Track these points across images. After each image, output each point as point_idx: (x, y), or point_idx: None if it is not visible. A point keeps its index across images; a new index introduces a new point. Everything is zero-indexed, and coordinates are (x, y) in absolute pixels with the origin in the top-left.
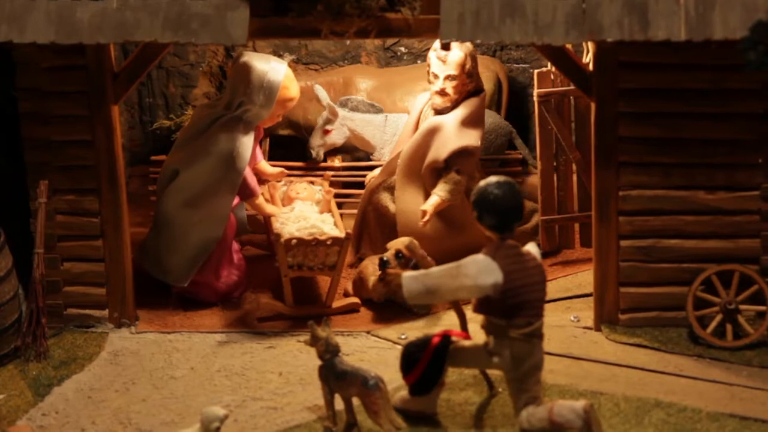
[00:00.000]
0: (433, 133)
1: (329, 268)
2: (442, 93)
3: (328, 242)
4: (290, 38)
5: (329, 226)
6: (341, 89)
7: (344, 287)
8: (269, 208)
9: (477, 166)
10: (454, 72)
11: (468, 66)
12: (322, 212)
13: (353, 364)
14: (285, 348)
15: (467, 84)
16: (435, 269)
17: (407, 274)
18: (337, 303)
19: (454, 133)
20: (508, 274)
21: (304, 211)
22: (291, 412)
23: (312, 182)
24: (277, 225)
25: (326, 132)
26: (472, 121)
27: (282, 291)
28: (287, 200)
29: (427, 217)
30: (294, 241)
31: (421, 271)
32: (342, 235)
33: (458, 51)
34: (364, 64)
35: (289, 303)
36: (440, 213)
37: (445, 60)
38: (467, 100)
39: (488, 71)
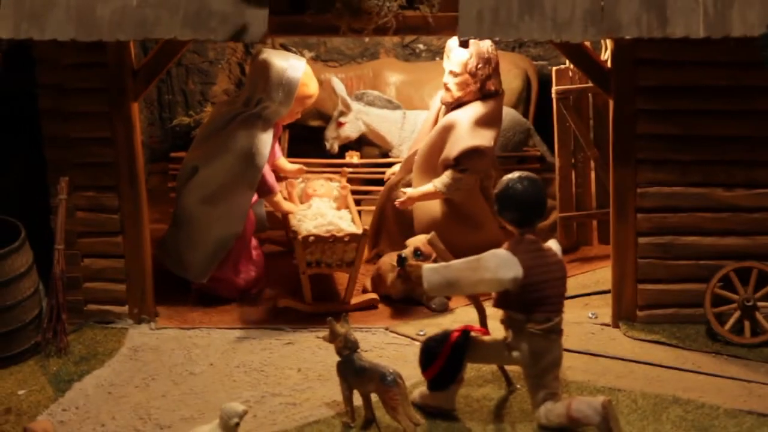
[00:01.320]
0: (448, 130)
1: (347, 264)
2: (445, 87)
3: (346, 239)
4: (309, 35)
5: (347, 222)
6: (370, 83)
7: (363, 284)
8: (287, 206)
9: (494, 164)
10: (456, 69)
11: (471, 66)
12: (339, 209)
13: (372, 360)
14: (304, 344)
15: (471, 84)
16: (455, 262)
17: (428, 266)
18: (356, 299)
19: (467, 132)
20: (528, 269)
21: (321, 208)
22: (310, 408)
23: (329, 179)
24: (294, 222)
25: (340, 124)
26: (486, 122)
27: (300, 288)
28: (305, 197)
29: (403, 198)
30: (311, 238)
31: (442, 264)
32: (359, 231)
33: (464, 51)
34: (393, 59)
35: (307, 300)
36: (455, 210)
37: (449, 55)
38: (484, 100)
39: (517, 68)
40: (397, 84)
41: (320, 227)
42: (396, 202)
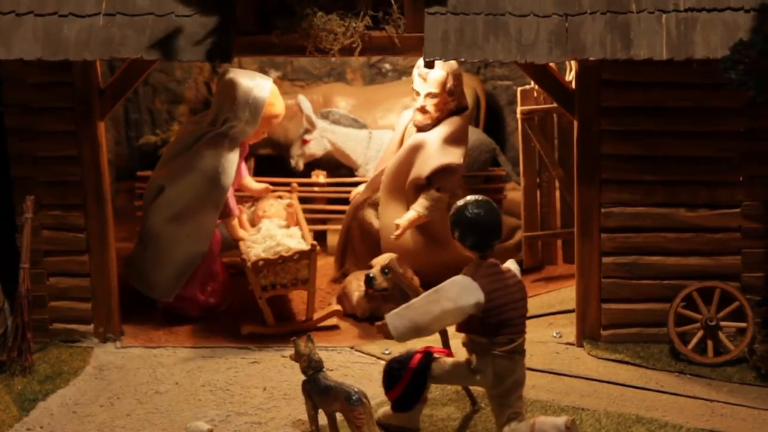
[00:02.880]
0: (416, 150)
1: (302, 282)
2: (422, 110)
3: (296, 257)
4: (275, 55)
5: (296, 240)
6: (320, 107)
7: (329, 302)
8: (240, 233)
9: (460, 183)
10: (434, 90)
11: (449, 85)
12: (288, 226)
13: (337, 379)
14: (269, 363)
15: (449, 102)
16: (415, 300)
17: (391, 313)
18: (318, 314)
19: (436, 151)
20: (489, 293)
21: (270, 230)
22: (275, 427)
23: (279, 197)
24: (244, 248)
25: (305, 142)
26: (454, 139)
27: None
28: (256, 219)
29: (399, 231)
30: (261, 262)
31: (402, 306)
32: (308, 247)
33: (440, 70)
34: (345, 83)
35: (270, 322)
36: (423, 229)
37: (426, 78)
38: (450, 118)
39: (467, 87)
40: (348, 108)
41: (269, 250)
42: (392, 237)
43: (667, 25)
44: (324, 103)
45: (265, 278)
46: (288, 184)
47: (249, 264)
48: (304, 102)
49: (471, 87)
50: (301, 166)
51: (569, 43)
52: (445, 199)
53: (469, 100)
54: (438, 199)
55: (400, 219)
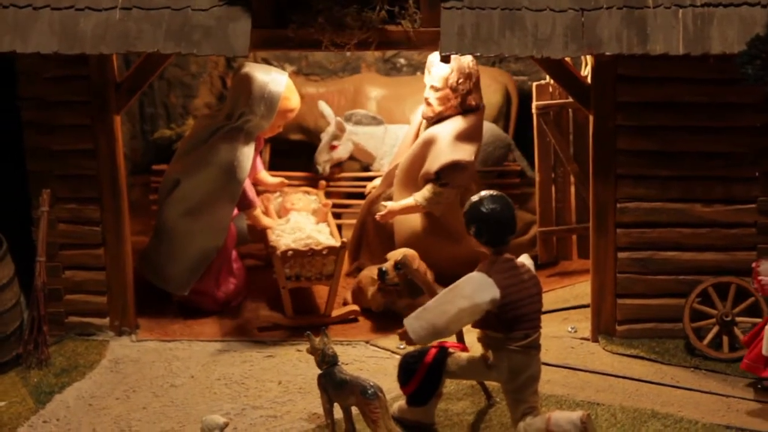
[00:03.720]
0: (428, 144)
1: (326, 277)
2: (426, 102)
3: (324, 252)
4: (291, 50)
5: (325, 236)
6: (351, 98)
7: (344, 297)
8: (266, 221)
9: (474, 179)
10: (437, 84)
11: (452, 81)
12: (318, 222)
13: (352, 373)
14: (284, 357)
15: (452, 99)
16: (431, 301)
17: (409, 317)
18: (337, 312)
19: (447, 147)
20: (504, 288)
21: (299, 222)
22: (290, 421)
23: (307, 192)
24: (273, 237)
25: (333, 147)
26: (467, 137)
27: (281, 302)
28: (283, 211)
29: (384, 212)
30: (290, 252)
31: (419, 309)
32: (338, 244)
33: (445, 66)
34: (374, 73)
35: (288, 313)
36: (437, 224)
37: (431, 71)
38: (465, 115)
39: (497, 83)
40: (378, 98)
41: (299, 241)
42: (377, 216)
43: (684, 20)
44: (354, 93)
45: (291, 269)
46: (301, 178)
47: (278, 252)
48: (326, 108)
49: (501, 83)
50: (327, 170)
51: (585, 38)
52: (450, 195)
53: (498, 96)
54: (440, 194)
55: (395, 203)
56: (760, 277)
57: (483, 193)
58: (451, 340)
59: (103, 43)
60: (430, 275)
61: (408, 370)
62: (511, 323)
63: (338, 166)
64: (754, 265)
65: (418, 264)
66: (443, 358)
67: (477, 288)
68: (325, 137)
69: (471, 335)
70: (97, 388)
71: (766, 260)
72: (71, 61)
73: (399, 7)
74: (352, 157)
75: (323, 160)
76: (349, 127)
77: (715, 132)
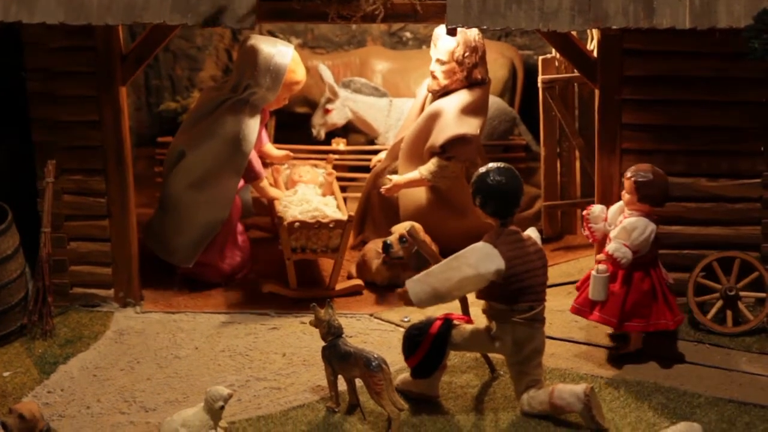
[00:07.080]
0: (434, 118)
1: (332, 250)
2: (432, 75)
3: (331, 225)
4: (297, 21)
5: (332, 209)
6: (357, 71)
7: (348, 270)
8: (273, 192)
9: (480, 152)
10: (443, 57)
11: (458, 55)
12: (324, 195)
13: (356, 345)
14: (289, 329)
15: (457, 72)
16: (435, 266)
17: (411, 279)
18: (341, 285)
19: (453, 120)
20: (509, 260)
21: (306, 194)
22: (294, 393)
23: (315, 165)
24: (280, 208)
25: (327, 111)
26: (473, 110)
27: (285, 273)
28: (290, 183)
29: (389, 186)
30: (297, 224)
31: (422, 273)
32: (344, 217)
33: (451, 39)
34: (380, 46)
35: (292, 285)
36: (443, 197)
37: (437, 44)
38: (471, 88)
39: (503, 57)
40: (383, 72)
41: (305, 213)
42: (381, 189)
43: None
44: (360, 65)
45: (296, 240)
46: (306, 151)
47: (285, 223)
48: (325, 71)
49: (507, 57)
50: (322, 135)
51: (592, 12)
52: (455, 169)
53: (504, 70)
54: (445, 168)
55: (399, 176)
56: (590, 225)
57: (490, 164)
58: (456, 312)
59: (109, 13)
60: (435, 248)
61: (412, 342)
62: (516, 295)
63: (340, 136)
64: (584, 213)
65: (423, 236)
66: (448, 330)
67: (482, 257)
68: (321, 100)
69: (476, 307)
70: (102, 359)
71: (597, 205)
72: (77, 31)
73: None
74: (356, 130)
75: (318, 123)
76: (346, 93)
77: (720, 106)
